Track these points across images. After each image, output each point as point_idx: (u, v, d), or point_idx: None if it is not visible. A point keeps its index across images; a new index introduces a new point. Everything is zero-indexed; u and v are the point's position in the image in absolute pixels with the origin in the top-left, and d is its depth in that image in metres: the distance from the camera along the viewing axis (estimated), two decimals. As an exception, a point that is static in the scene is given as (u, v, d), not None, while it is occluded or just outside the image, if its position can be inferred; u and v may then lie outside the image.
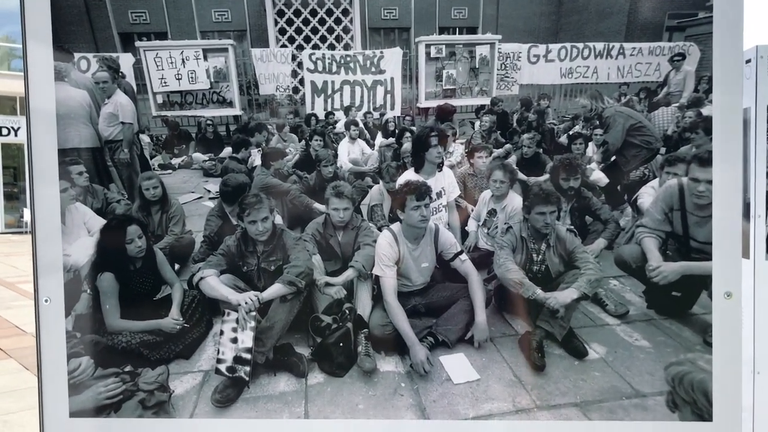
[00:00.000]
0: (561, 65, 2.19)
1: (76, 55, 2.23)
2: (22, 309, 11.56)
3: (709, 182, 2.07)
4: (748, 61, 3.28)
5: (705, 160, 2.11)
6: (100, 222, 2.34)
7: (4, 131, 31.68)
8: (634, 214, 2.23)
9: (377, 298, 2.39)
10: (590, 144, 2.29)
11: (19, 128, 32.07)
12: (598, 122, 2.23)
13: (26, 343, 8.98)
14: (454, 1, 2.23)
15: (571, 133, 2.28)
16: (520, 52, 2.19)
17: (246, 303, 2.28)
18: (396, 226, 2.41)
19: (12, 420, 5.78)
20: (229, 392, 2.24)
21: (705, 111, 2.09)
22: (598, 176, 2.29)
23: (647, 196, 2.22)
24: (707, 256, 2.06)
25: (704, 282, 2.12)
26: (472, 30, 2.25)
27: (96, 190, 2.33)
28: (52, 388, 2.24)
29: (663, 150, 2.17)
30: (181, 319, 2.35)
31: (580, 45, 2.16)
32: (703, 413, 2.03)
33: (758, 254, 3.24)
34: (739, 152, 2.11)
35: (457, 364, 2.31)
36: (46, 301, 2.21)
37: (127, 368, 2.26)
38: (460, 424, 2.17)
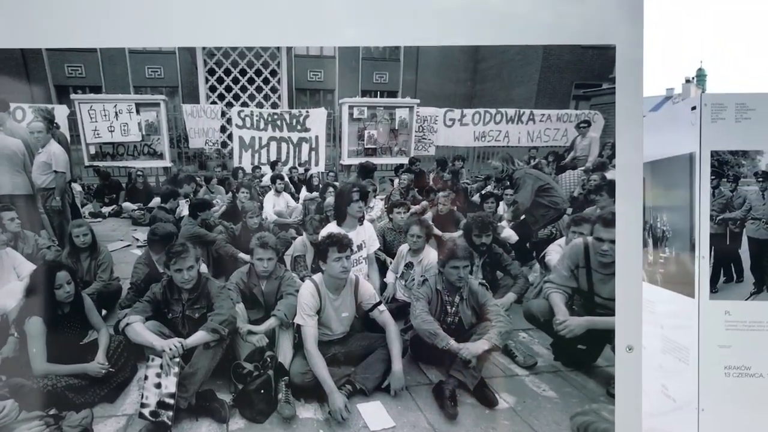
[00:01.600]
0: (475, 129, 2.23)
1: (12, 105, 2.19)
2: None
3: (612, 241, 2.13)
4: (693, 108, 3.39)
5: (608, 221, 2.15)
6: (30, 267, 2.29)
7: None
8: (542, 270, 2.25)
9: (298, 346, 2.36)
10: (501, 203, 2.31)
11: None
12: (508, 183, 2.25)
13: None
14: (376, 66, 2.30)
15: (483, 192, 2.30)
16: (437, 116, 2.24)
17: (170, 349, 2.24)
18: (318, 277, 2.39)
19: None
20: None
21: (609, 175, 2.15)
22: (509, 233, 2.31)
23: (554, 253, 2.25)
24: (611, 312, 2.11)
25: (608, 336, 2.12)
26: (393, 94, 2.30)
27: (27, 236, 2.29)
28: None
29: (569, 210, 2.23)
30: (107, 363, 2.30)
31: (493, 110, 2.21)
32: None
33: (702, 294, 3.32)
34: (639, 213, 2.18)
35: (373, 412, 2.28)
36: None
37: (52, 411, 2.19)
38: None
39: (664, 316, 3.88)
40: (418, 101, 2.27)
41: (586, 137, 2.23)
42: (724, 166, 3.25)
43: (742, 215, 3.27)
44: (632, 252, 2.11)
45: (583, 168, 2.23)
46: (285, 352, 2.36)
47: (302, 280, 2.43)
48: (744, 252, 3.27)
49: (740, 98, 3.22)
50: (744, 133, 3.21)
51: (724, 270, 3.29)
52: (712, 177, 3.28)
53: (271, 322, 2.39)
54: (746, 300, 3.22)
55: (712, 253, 3.28)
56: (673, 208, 3.71)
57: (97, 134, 2.30)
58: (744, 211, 3.27)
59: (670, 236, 3.79)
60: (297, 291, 2.40)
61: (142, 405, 2.23)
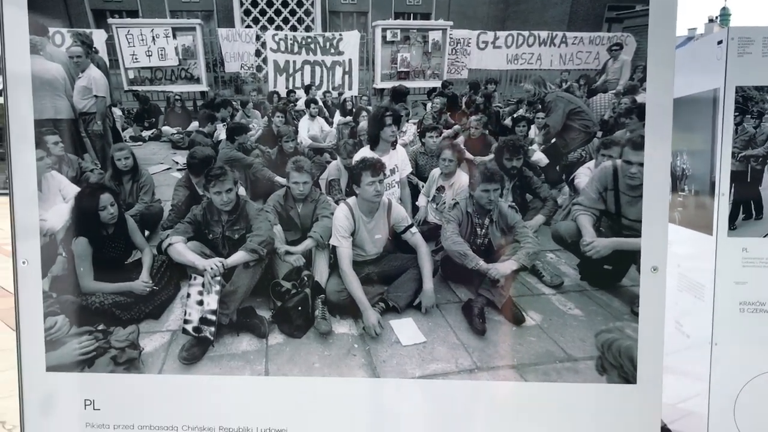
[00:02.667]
0: (507, 52, 2.18)
1: (51, 30, 2.18)
2: (6, 271, 11.57)
3: (641, 164, 2.10)
4: (720, 42, 3.35)
5: (638, 144, 2.12)
6: (74, 189, 2.33)
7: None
8: (571, 192, 2.26)
9: (334, 266, 2.42)
10: (533, 127, 2.29)
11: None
12: (540, 106, 2.23)
13: (8, 304, 9.05)
14: (409, -12, 2.32)
15: (515, 116, 2.27)
16: (470, 39, 2.21)
17: (212, 268, 2.33)
18: (352, 200, 2.44)
19: (-1, 379, 5.91)
20: (195, 351, 2.31)
21: (639, 98, 2.10)
22: (539, 157, 2.31)
23: (584, 176, 2.25)
24: (637, 233, 2.12)
25: (633, 257, 2.15)
26: (426, 16, 2.28)
27: (71, 160, 2.31)
28: (30, 345, 2.25)
29: (599, 134, 2.19)
30: (151, 282, 2.38)
31: (526, 33, 2.16)
32: (629, 377, 2.14)
33: (720, 231, 3.36)
34: (668, 137, 2.18)
35: (405, 328, 2.38)
36: (24, 263, 2.21)
37: (100, 327, 2.31)
38: (407, 382, 2.24)
39: (682, 254, 3.93)
40: (451, 23, 2.23)
41: (617, 60, 2.17)
42: (749, 102, 3.22)
43: (765, 152, 3.25)
44: (660, 175, 2.10)
45: (614, 91, 2.18)
46: (321, 272, 2.43)
47: (337, 203, 2.48)
48: (765, 190, 3.26)
49: (769, 32, 3.17)
50: (771, 68, 3.17)
51: (744, 207, 3.31)
52: (736, 113, 3.25)
53: (307, 243, 2.45)
54: (764, 237, 3.25)
55: (733, 190, 3.29)
56: (693, 146, 3.71)
57: (135, 59, 2.31)
58: (767, 149, 3.26)
59: (690, 174, 3.80)
60: (332, 214, 2.44)
61: (186, 321, 2.34)
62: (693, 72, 3.73)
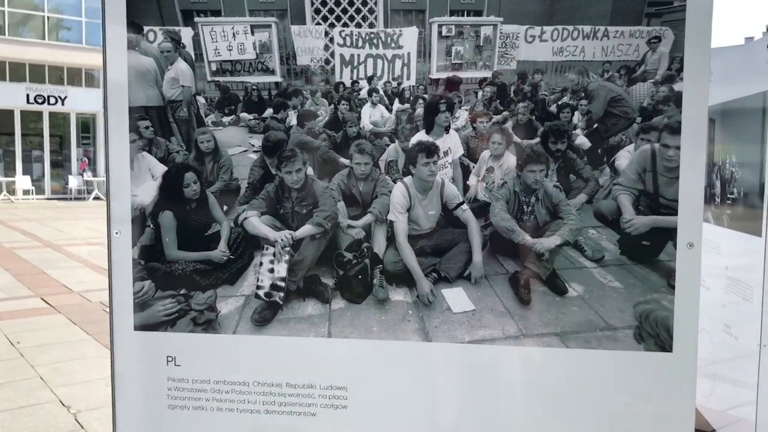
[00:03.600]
0: (553, 45, 2.29)
1: (145, 29, 2.43)
2: (69, 270, 12.17)
3: (678, 148, 2.23)
4: None
5: (675, 129, 2.25)
6: (162, 168, 2.56)
7: (52, 100, 32.43)
8: (612, 174, 2.37)
9: (391, 239, 2.58)
10: (576, 113, 2.42)
11: (65, 97, 32.77)
12: (583, 94, 2.36)
13: (73, 300, 9.57)
14: (463, -12, 2.50)
15: (560, 103, 2.41)
16: (518, 33, 2.27)
17: (282, 240, 2.53)
18: (408, 179, 2.60)
19: (62, 368, 6.33)
20: (266, 314, 2.51)
21: (676, 87, 2.15)
22: (582, 141, 2.43)
23: (624, 158, 2.36)
24: (673, 212, 2.24)
25: (670, 234, 2.28)
26: (478, 13, 2.40)
27: (159, 142, 2.54)
28: (120, 306, 2.49)
29: (639, 119, 2.29)
30: (228, 251, 2.58)
31: (570, 27, 2.24)
32: (665, 345, 2.26)
33: None
34: (704, 121, 2.30)
35: (456, 297, 2.51)
36: (116, 233, 2.47)
37: (182, 291, 2.54)
38: (457, 346, 2.41)
39: (729, 256, 4.00)
40: (501, 19, 2.34)
41: (656, 52, 2.26)
42: None
43: None
44: (696, 158, 2.21)
45: (652, 80, 2.27)
46: (379, 244, 2.59)
47: (394, 182, 2.64)
48: None
49: (819, 35, 3.25)
50: (822, 71, 3.25)
51: None
52: None
53: (367, 218, 2.62)
54: None
55: None
56: (743, 150, 3.79)
57: (218, 53, 2.54)
58: None
59: (739, 177, 3.88)
60: (390, 191, 2.61)
61: (258, 287, 2.54)
62: (743, 73, 3.82)
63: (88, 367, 6.64)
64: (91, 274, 11.75)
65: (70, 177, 33.70)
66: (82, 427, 5.13)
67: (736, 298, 3.90)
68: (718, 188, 4.27)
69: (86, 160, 34.37)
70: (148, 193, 2.60)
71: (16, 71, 31.97)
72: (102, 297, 9.06)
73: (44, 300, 9.73)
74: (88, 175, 33.22)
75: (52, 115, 33.64)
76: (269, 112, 2.61)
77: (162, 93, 2.59)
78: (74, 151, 34.22)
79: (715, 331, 4.21)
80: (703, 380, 4.33)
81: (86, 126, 34.75)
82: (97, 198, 30.98)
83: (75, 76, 33.45)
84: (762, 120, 3.52)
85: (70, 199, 33.05)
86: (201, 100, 2.60)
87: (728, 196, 4.12)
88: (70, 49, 32.50)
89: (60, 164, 35.15)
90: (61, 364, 6.72)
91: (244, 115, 2.68)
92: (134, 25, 2.50)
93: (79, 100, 32.94)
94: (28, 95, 32.22)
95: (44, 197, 33.40)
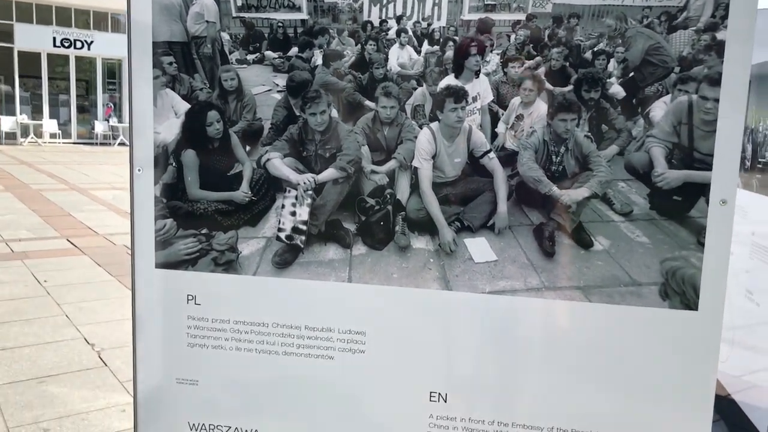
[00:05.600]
0: None
1: None
2: (94, 213, 12.39)
3: (717, 100, 2.14)
4: None
5: (715, 80, 2.16)
6: (185, 106, 2.53)
7: (78, 44, 32.51)
8: (646, 125, 2.29)
9: (414, 186, 2.54)
10: (612, 60, 2.32)
11: (92, 42, 32.82)
12: (620, 41, 2.26)
13: (98, 242, 9.75)
14: (500, -77, 2.39)
15: (595, 49, 2.31)
16: None
17: (304, 183, 2.51)
18: (435, 125, 2.53)
19: (86, 307, 6.48)
20: (287, 257, 2.50)
21: (719, 35, 2.11)
22: (617, 90, 2.33)
23: (659, 109, 2.27)
24: (708, 167, 2.17)
25: (703, 189, 2.21)
26: None
27: (183, 79, 2.49)
28: (142, 244, 2.50)
29: (677, 69, 2.20)
30: (250, 192, 2.56)
31: None
32: (690, 303, 2.22)
33: None
34: (746, 73, 2.21)
35: (478, 246, 2.48)
36: (138, 170, 2.46)
37: (204, 231, 2.53)
38: (477, 296, 2.39)
39: (756, 221, 3.91)
40: None
41: None
42: None
43: None
44: (735, 110, 2.12)
45: (694, 28, 2.18)
46: (403, 191, 2.55)
47: (420, 127, 2.58)
48: None
49: None
50: None
51: None
52: None
53: (391, 164, 2.58)
54: None
55: None
56: None
57: None
58: None
59: None
60: (415, 137, 2.55)
61: (279, 230, 2.53)
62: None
63: (111, 307, 6.80)
64: (115, 218, 11.95)
65: (96, 122, 34.02)
66: (105, 365, 5.28)
67: (760, 263, 3.84)
68: (749, 152, 4.17)
69: (112, 105, 34.61)
70: (170, 130, 2.57)
71: (42, 14, 32.00)
72: (126, 240, 9.20)
73: (70, 241, 9.93)
74: (113, 121, 33.49)
75: (78, 59, 33.77)
76: (294, 50, 2.55)
77: (186, 28, 2.54)
78: (100, 97, 34.45)
79: (737, 296, 4.16)
80: (721, 345, 4.31)
81: (112, 71, 34.87)
82: (122, 144, 31.28)
83: (101, 21, 33.42)
84: (797, 82, 3.38)
85: (96, 144, 33.43)
86: (225, 36, 2.54)
87: (759, 160, 4.01)
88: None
89: (86, 109, 35.47)
90: (85, 303, 6.89)
91: (268, 53, 2.62)
92: (159, -42, 2.43)
93: (106, 45, 32.99)
94: (54, 38, 32.31)
95: (71, 141, 33.83)
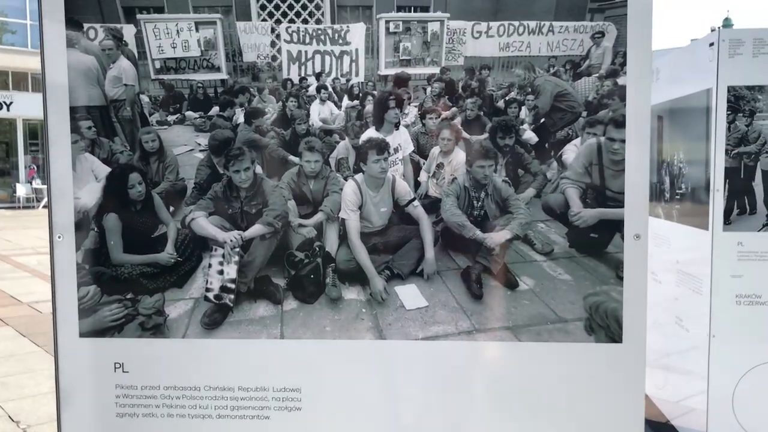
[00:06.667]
0: (500, 40, 2.30)
1: (85, 26, 2.35)
2: (18, 280, 11.78)
3: (623, 141, 2.25)
4: (711, 44, 3.54)
5: (619, 123, 2.28)
6: (105, 170, 2.48)
7: (-4, 106, 31.33)
8: (559, 167, 2.40)
9: (343, 237, 2.57)
10: (523, 108, 2.44)
11: (11, 103, 31.73)
12: (530, 89, 2.37)
13: (22, 312, 9.26)
14: (410, -17, 2.51)
15: (507, 98, 2.43)
16: (465, 29, 2.25)
17: (231, 240, 2.48)
18: (359, 176, 2.58)
19: (10, 382, 6.11)
20: (216, 316, 2.46)
21: (620, 81, 2.14)
22: (530, 135, 2.45)
23: (570, 152, 2.38)
24: (620, 204, 2.27)
25: (617, 226, 2.30)
26: (425, 9, 2.34)
27: (102, 143, 2.46)
28: (65, 313, 2.40)
29: (584, 114, 2.34)
30: (175, 253, 2.53)
31: (516, 23, 2.25)
32: (615, 336, 2.28)
33: (716, 226, 3.53)
34: (647, 116, 2.30)
35: (409, 293, 2.52)
36: (59, 237, 2.37)
37: (129, 295, 2.46)
38: (411, 343, 2.40)
39: (679, 250, 4.10)
40: (448, 15, 2.35)
41: (600, 47, 2.29)
42: (741, 101, 3.41)
43: (757, 149, 3.42)
44: (640, 151, 2.23)
45: (597, 75, 2.31)
46: (331, 243, 2.58)
47: (345, 179, 2.62)
48: (758, 185, 3.43)
49: (758, 33, 3.33)
50: (761, 68, 3.34)
51: (738, 203, 3.49)
52: (728, 112, 3.43)
53: (318, 217, 2.60)
54: (759, 231, 3.42)
55: (727, 186, 3.47)
56: (689, 146, 3.90)
57: (161, 50, 2.47)
58: (759, 145, 3.41)
59: (686, 173, 3.99)
60: (341, 189, 2.59)
61: (207, 289, 2.49)
62: (689, 72, 3.92)
63: (37, 380, 6.43)
64: (41, 285, 11.40)
65: (17, 185, 32.62)
66: (32, 442, 4.96)
67: (686, 290, 4.00)
68: (668, 184, 4.38)
69: (35, 167, 33.34)
70: (91, 195, 2.52)
71: (-41, 75, 30.87)
72: (52, 307, 8.77)
73: (-9, 312, 9.38)
74: (37, 183, 32.22)
75: (-4, 121, 32.54)
76: (215, 110, 2.58)
77: (104, 92, 2.52)
78: (22, 159, 33.15)
79: (668, 323, 4.31)
80: (656, 372, 4.43)
81: (34, 132, 33.69)
82: (46, 206, 30.07)
83: (21, 81, 32.44)
84: (706, 117, 3.62)
85: (19, 207, 32.01)
86: (145, 98, 2.54)
87: (677, 191, 4.22)
88: (14, 53, 31.46)
89: (7, 172, 33.99)
90: (9, 377, 6.49)
91: (189, 113, 2.64)
92: (73, 22, 2.41)
93: (26, 106, 31.89)
94: (-29, 101, 31.10)
95: (-10, 207, 32.25)
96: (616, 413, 2.36)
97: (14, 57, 31.39)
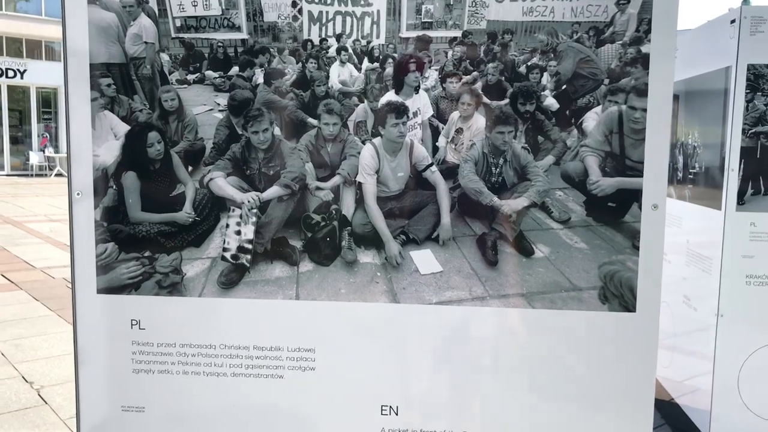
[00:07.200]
0: (523, 4, 2.27)
1: None
2: (30, 246, 11.93)
3: (644, 110, 2.25)
4: (733, 21, 3.50)
5: (641, 91, 2.27)
6: (125, 128, 2.50)
7: (10, 73, 31.46)
8: (579, 135, 2.38)
9: (359, 201, 2.57)
10: (545, 74, 2.42)
11: (25, 71, 31.80)
12: (552, 55, 2.35)
13: (35, 276, 9.39)
14: (434, -57, 2.46)
15: (529, 63, 2.41)
16: None
17: (249, 201, 2.50)
18: (377, 140, 2.57)
19: (24, 344, 6.22)
20: (233, 276, 2.49)
21: (644, 49, 2.16)
22: (551, 102, 2.43)
23: (591, 120, 2.37)
24: (639, 173, 2.27)
25: (635, 195, 2.31)
26: None
27: (122, 100, 2.47)
28: (83, 270, 2.44)
29: (606, 81, 2.30)
30: (193, 213, 2.55)
31: None
32: (629, 305, 2.30)
33: (729, 206, 3.52)
34: (670, 84, 2.32)
35: (424, 258, 2.52)
36: (78, 194, 2.40)
37: (146, 253, 2.49)
38: (425, 307, 2.42)
39: (691, 230, 4.09)
40: None
41: (624, 14, 2.27)
42: (760, 80, 3.37)
43: None
44: (661, 120, 2.23)
45: (620, 42, 2.28)
46: (348, 206, 2.59)
47: (363, 143, 2.61)
48: None
49: (781, 10, 3.30)
50: (784, 46, 3.31)
51: (753, 183, 3.47)
52: (747, 90, 3.40)
53: (336, 180, 2.60)
54: None
55: (742, 166, 3.45)
56: (705, 124, 3.86)
57: (182, 8, 2.46)
58: None
59: (701, 152, 3.96)
60: (359, 153, 2.58)
61: (224, 249, 2.51)
62: (707, 51, 3.87)
63: (50, 342, 6.54)
64: (53, 251, 11.53)
65: (30, 153, 32.79)
66: (45, 402, 5.06)
67: (696, 270, 4.00)
68: (681, 164, 4.36)
69: (47, 135, 33.45)
70: (110, 153, 2.53)
71: (-28, 42, 30.90)
72: (65, 273, 8.91)
73: (5, 277, 9.52)
74: (49, 151, 32.37)
75: (10, 88, 32.58)
76: (235, 70, 2.57)
77: (124, 49, 2.51)
78: (35, 127, 33.26)
79: (676, 303, 4.32)
80: (663, 351, 4.45)
81: (47, 101, 33.77)
82: (59, 174, 30.26)
83: (35, 49, 32.44)
84: (723, 97, 3.59)
85: (31, 175, 32.21)
86: (165, 57, 2.53)
87: (690, 171, 4.20)
88: (28, 20, 31.42)
89: (20, 140, 34.13)
90: (23, 340, 6.60)
91: (209, 73, 2.63)
92: (95, -22, 2.41)
93: (40, 74, 31.95)
94: (-16, 67, 31.16)
95: (4, 174, 32.50)
96: (626, 381, 2.38)
97: (29, 24, 31.37)
